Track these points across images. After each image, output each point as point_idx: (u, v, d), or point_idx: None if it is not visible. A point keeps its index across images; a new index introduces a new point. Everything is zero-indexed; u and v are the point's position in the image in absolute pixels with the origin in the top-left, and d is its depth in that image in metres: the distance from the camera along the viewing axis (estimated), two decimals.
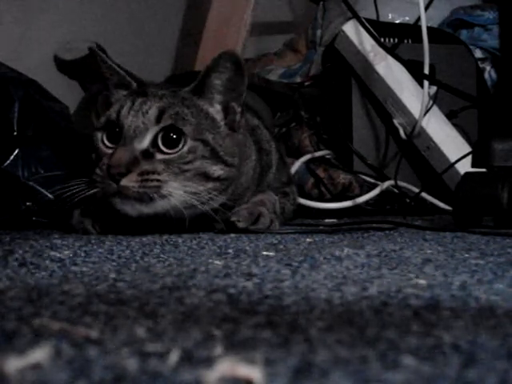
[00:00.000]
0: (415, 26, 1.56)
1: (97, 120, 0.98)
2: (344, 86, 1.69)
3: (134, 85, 0.99)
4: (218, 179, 0.93)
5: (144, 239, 0.85)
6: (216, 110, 0.97)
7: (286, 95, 1.78)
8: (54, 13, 1.86)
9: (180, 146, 0.91)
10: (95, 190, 0.89)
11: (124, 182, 0.87)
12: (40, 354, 0.33)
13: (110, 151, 0.92)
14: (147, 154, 0.90)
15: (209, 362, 0.33)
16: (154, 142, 0.91)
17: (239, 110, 0.98)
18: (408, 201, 1.52)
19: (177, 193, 0.90)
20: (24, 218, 1.07)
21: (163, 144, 0.91)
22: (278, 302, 0.48)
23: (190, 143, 0.92)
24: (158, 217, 0.91)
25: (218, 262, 0.66)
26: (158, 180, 0.89)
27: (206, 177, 0.92)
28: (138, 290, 0.51)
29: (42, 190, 1.07)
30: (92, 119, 1.01)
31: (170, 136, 0.91)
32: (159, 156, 0.90)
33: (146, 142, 0.91)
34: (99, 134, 0.94)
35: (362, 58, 1.64)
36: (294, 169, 1.56)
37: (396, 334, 0.39)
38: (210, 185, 0.93)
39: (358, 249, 0.75)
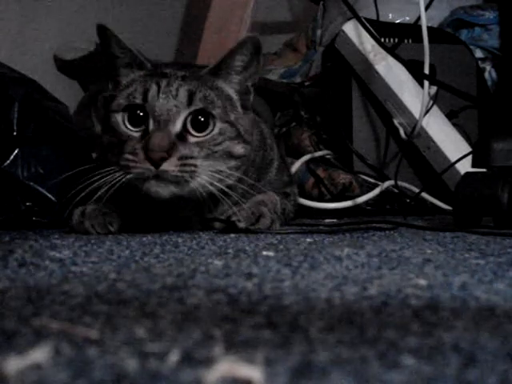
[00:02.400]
0: (415, 26, 1.56)
1: (97, 120, 0.97)
2: (344, 86, 1.69)
3: (149, 64, 0.98)
4: (238, 157, 0.97)
5: (144, 239, 0.85)
6: (233, 91, 1.00)
7: (286, 95, 1.78)
8: (54, 13, 1.86)
9: (210, 128, 0.94)
10: (130, 176, 0.90)
11: (165, 166, 0.89)
12: (40, 354, 0.33)
13: (135, 135, 0.92)
14: (181, 137, 0.92)
15: (209, 362, 0.33)
16: (184, 125, 0.93)
17: (252, 89, 1.01)
18: (408, 201, 1.52)
19: (205, 173, 0.93)
20: (24, 217, 1.07)
21: (192, 126, 0.93)
22: (278, 302, 0.48)
23: (219, 125, 0.94)
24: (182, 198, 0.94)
25: (217, 262, 0.66)
26: (195, 165, 0.91)
27: (230, 156, 0.96)
28: (138, 290, 0.51)
29: (42, 190, 1.07)
30: (92, 119, 1.00)
31: (199, 119, 0.93)
32: (192, 139, 0.93)
33: (178, 126, 0.92)
34: (119, 117, 0.94)
35: (362, 57, 1.64)
36: (294, 169, 1.56)
37: (396, 334, 0.39)
38: (232, 163, 0.96)
39: (358, 249, 0.75)
